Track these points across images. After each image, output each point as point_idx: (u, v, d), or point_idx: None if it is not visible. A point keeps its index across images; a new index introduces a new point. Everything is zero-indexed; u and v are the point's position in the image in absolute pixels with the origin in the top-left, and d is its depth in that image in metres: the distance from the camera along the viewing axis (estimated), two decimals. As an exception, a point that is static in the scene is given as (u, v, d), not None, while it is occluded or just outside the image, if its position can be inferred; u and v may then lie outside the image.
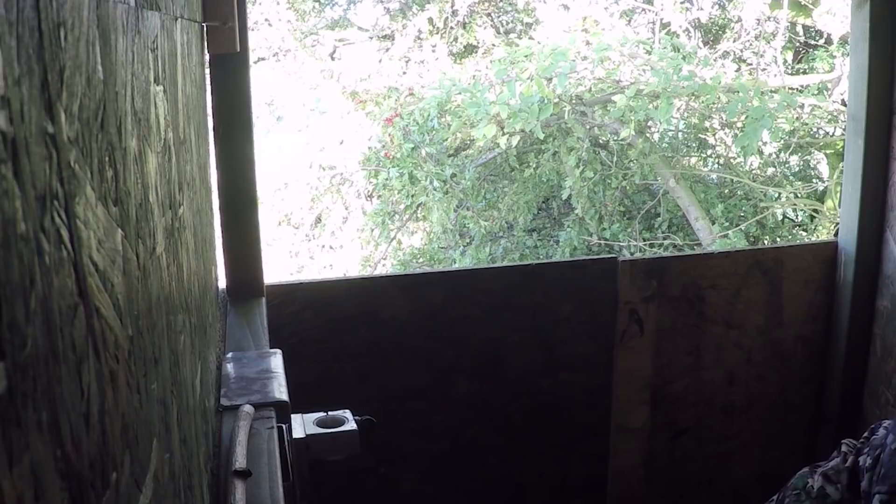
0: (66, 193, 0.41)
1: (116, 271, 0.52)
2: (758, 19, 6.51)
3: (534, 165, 6.48)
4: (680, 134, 6.64)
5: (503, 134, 5.81)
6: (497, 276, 2.29)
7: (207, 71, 1.65)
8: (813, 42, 6.91)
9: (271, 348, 1.70)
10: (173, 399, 0.76)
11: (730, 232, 5.89)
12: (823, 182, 6.35)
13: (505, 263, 5.87)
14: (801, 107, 5.89)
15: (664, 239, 6.39)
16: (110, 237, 0.51)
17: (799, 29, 6.90)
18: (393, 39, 7.75)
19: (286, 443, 1.30)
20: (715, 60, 6.31)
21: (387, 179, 6.55)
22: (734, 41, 6.76)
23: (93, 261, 0.46)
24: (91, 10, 0.49)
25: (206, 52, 1.61)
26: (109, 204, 0.52)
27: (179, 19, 1.00)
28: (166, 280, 0.75)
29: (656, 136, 6.40)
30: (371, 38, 8.08)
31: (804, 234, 6.54)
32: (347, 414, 1.67)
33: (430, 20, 7.47)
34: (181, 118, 0.94)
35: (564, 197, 6.51)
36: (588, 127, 6.16)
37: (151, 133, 0.71)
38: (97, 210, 0.48)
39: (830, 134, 6.32)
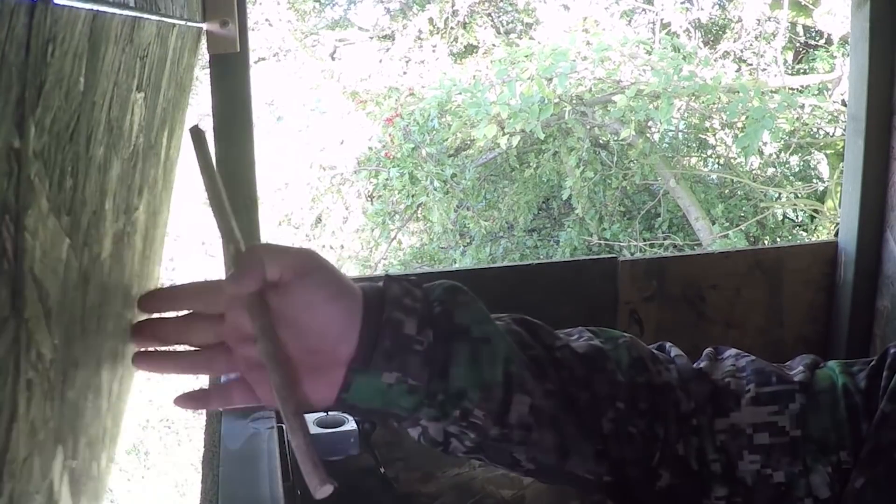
0: (18, 207, 0.41)
1: (55, 280, 0.50)
2: (758, 19, 6.51)
3: (534, 165, 6.48)
4: (680, 134, 6.65)
5: (503, 134, 5.82)
6: (497, 276, 2.28)
7: (207, 71, 1.65)
8: (813, 42, 6.92)
9: (271, 348, 1.69)
10: (88, 404, 0.72)
11: (730, 232, 5.89)
12: (823, 182, 6.36)
13: (505, 263, 5.88)
14: (802, 107, 5.90)
15: (664, 239, 6.40)
16: (56, 247, 0.50)
17: (799, 29, 6.90)
18: (393, 39, 7.75)
19: (286, 443, 1.30)
20: (715, 61, 6.31)
21: (387, 179, 6.56)
22: (734, 41, 6.76)
23: (33, 272, 0.45)
24: (86, 23, 0.48)
25: (206, 52, 1.60)
26: (62, 214, 0.50)
27: (177, 23, 0.98)
28: (107, 284, 0.71)
29: (656, 137, 6.41)
30: (371, 38, 8.09)
31: (804, 234, 6.55)
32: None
33: (431, 20, 7.47)
34: (156, 122, 0.91)
35: (564, 197, 6.51)
36: (588, 127, 6.16)
37: (122, 139, 0.68)
38: (48, 221, 0.47)
39: (830, 134, 6.32)
